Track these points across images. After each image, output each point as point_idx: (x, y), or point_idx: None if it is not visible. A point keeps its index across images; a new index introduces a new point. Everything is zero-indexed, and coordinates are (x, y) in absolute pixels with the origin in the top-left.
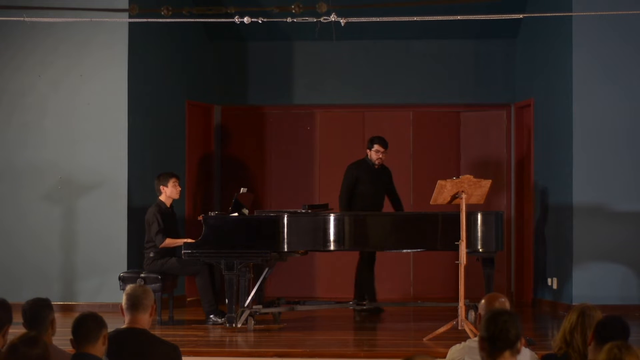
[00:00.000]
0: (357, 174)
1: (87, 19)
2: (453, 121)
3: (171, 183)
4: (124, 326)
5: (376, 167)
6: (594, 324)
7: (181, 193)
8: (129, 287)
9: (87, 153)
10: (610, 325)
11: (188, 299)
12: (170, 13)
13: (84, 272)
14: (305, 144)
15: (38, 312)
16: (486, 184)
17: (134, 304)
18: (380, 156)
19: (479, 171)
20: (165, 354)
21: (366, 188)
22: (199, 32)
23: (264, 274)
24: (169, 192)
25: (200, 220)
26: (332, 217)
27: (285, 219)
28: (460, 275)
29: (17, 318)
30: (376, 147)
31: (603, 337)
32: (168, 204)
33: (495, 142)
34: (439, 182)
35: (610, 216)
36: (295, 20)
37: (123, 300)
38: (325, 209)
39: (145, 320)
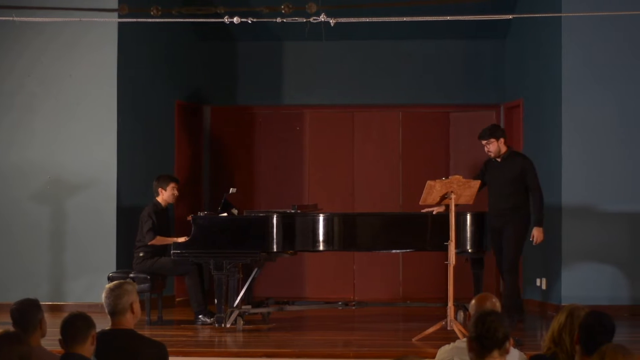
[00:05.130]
0: (485, 166)
1: (76, 19)
2: (442, 121)
3: (170, 187)
4: (108, 328)
5: (495, 160)
6: None
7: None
8: (104, 292)
9: (76, 153)
10: (594, 325)
11: (177, 299)
12: (159, 13)
13: (73, 272)
14: (295, 144)
15: (26, 312)
16: (475, 184)
17: (110, 311)
18: (485, 149)
19: (468, 171)
20: (151, 352)
21: (489, 182)
22: (189, 32)
23: (253, 274)
24: (166, 196)
25: (190, 221)
26: (321, 218)
27: (275, 219)
28: (450, 276)
29: (6, 318)
30: (482, 142)
31: (588, 337)
32: (164, 205)
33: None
34: (428, 182)
35: (599, 216)
36: (284, 20)
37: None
38: (314, 209)
39: (127, 320)
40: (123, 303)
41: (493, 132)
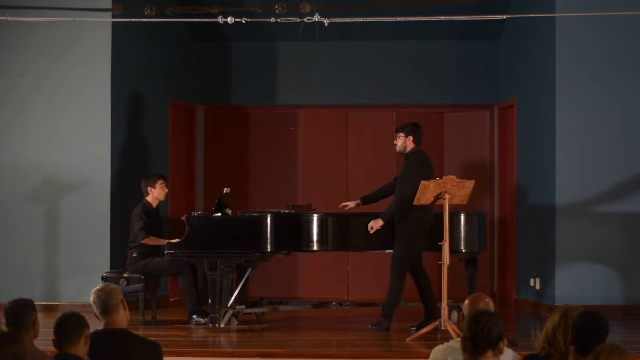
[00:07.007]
0: None
1: (70, 19)
2: (436, 122)
3: (159, 184)
4: (101, 328)
5: (403, 156)
6: None
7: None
8: (92, 294)
9: (70, 153)
10: (588, 325)
11: (171, 299)
12: (153, 13)
13: (66, 272)
14: (289, 144)
15: (19, 312)
16: (469, 184)
17: (104, 310)
18: (394, 142)
19: (462, 172)
20: (146, 352)
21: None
22: (183, 32)
23: (247, 274)
24: (156, 194)
25: (184, 221)
26: (315, 218)
27: (269, 219)
28: (444, 276)
29: (0, 318)
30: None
31: (581, 337)
32: (154, 205)
33: (478, 142)
34: (422, 182)
35: (593, 217)
36: (278, 20)
37: (93, 306)
38: (309, 209)
39: (120, 318)
40: (115, 299)
41: (404, 127)
